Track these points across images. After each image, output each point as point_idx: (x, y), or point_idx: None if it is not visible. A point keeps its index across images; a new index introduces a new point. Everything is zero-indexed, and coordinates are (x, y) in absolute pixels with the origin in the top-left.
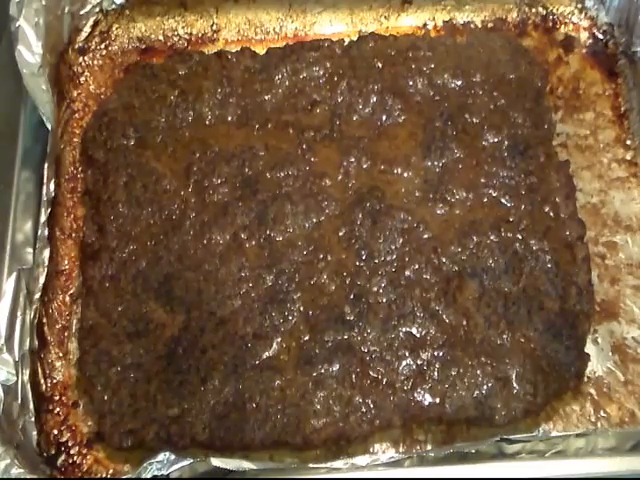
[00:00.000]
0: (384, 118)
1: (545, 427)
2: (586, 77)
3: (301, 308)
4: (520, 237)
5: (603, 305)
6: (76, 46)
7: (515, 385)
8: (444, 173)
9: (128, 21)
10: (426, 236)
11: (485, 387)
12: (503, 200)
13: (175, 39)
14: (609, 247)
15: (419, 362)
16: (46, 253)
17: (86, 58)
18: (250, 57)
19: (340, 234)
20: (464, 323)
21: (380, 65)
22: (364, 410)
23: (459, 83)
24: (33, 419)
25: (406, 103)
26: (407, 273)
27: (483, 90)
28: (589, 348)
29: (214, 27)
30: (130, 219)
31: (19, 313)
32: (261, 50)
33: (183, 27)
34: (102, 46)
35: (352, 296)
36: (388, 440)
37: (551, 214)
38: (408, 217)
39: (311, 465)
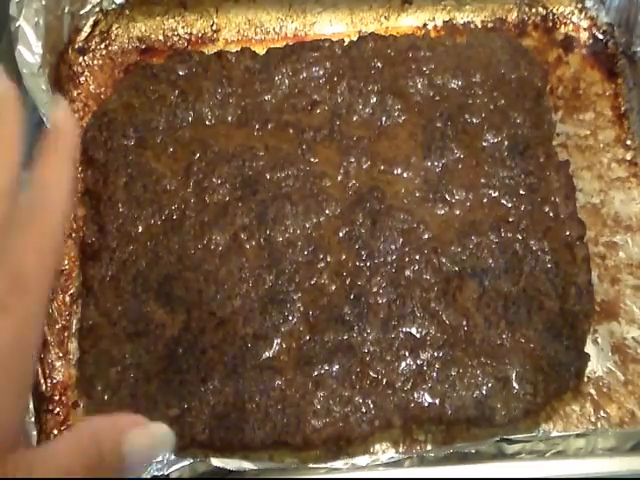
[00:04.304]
0: (384, 118)
1: (545, 427)
2: (586, 77)
3: (301, 308)
4: (520, 237)
5: (603, 305)
6: (76, 46)
7: (515, 385)
8: (444, 173)
9: (128, 21)
10: (426, 236)
11: (485, 387)
12: (503, 200)
13: (175, 39)
14: (609, 247)
15: (419, 362)
16: None
17: (86, 58)
18: (250, 57)
19: (340, 234)
20: (464, 323)
21: (380, 65)
22: (364, 410)
23: (459, 83)
24: (33, 419)
25: (406, 103)
26: (407, 273)
27: (483, 90)
28: (589, 348)
29: (214, 27)
30: (130, 219)
31: None
32: (261, 50)
33: (183, 27)
34: (102, 46)
35: (352, 296)
36: (388, 440)
37: (551, 214)
38: (408, 217)
39: (311, 465)
